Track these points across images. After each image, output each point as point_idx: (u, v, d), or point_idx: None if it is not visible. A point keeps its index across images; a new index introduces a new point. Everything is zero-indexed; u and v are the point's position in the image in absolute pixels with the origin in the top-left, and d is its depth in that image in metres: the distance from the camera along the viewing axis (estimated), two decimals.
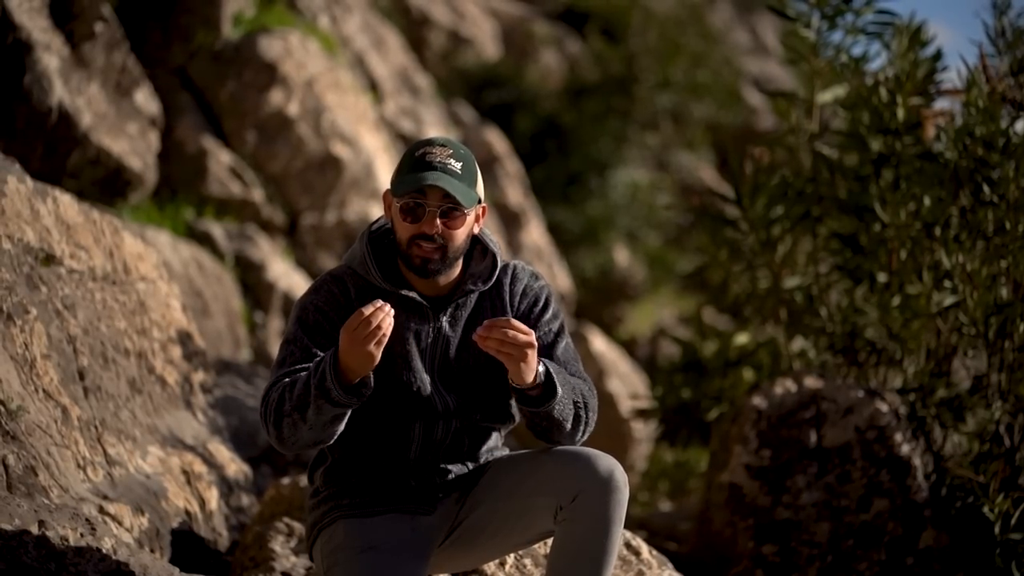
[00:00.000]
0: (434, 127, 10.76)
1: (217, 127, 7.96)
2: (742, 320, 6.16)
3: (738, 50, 19.21)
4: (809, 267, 5.60)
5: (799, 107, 5.65)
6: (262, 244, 7.68)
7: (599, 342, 10.05)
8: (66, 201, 4.28)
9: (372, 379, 2.93)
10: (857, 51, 5.88)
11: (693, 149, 16.52)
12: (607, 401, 9.18)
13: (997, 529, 4.63)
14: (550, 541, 3.17)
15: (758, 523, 4.90)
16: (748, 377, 5.89)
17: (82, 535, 3.21)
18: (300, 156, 8.12)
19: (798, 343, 5.82)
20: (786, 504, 4.90)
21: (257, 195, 7.92)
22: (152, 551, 3.68)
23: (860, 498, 4.87)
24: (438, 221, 3.06)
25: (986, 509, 4.62)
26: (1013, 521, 4.63)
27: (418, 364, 3.13)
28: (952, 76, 9.35)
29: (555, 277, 11.83)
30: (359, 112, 8.77)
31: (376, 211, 8.08)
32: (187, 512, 4.03)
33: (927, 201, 5.07)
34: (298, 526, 3.94)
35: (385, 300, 3.13)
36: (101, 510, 3.54)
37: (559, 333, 3.23)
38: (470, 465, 3.23)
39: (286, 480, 4.30)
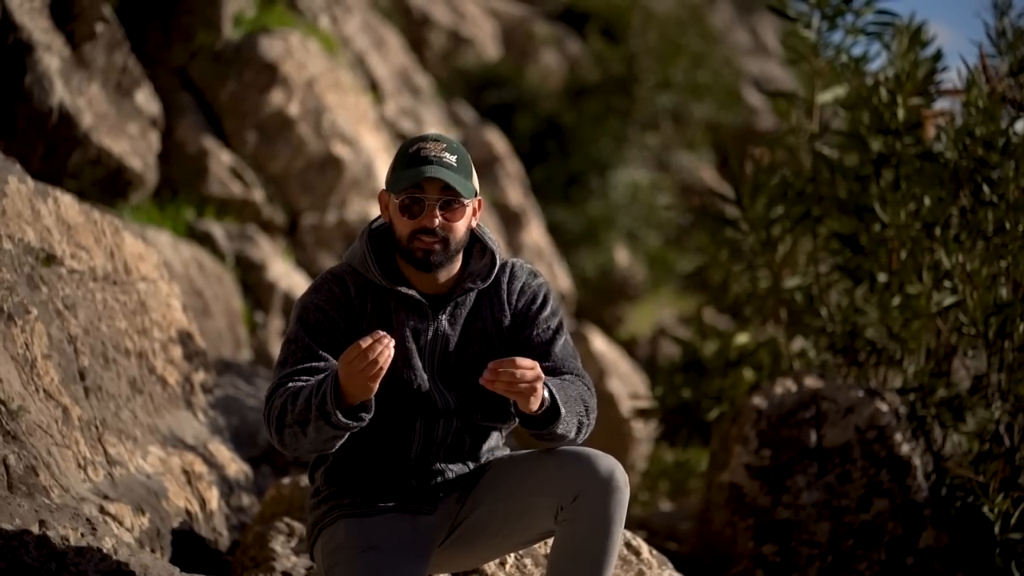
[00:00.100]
0: (434, 127, 10.76)
1: (218, 127, 7.97)
2: (742, 320, 6.16)
3: (738, 50, 19.21)
4: (809, 267, 5.60)
5: (799, 107, 5.65)
6: (263, 244, 7.68)
7: (599, 342, 10.05)
8: (67, 201, 4.28)
9: (373, 404, 2.94)
10: (857, 51, 5.88)
11: (693, 149, 16.53)
12: (607, 401, 9.19)
13: (997, 529, 4.63)
14: (550, 541, 3.18)
15: (758, 523, 4.90)
16: (748, 377, 5.89)
17: (83, 535, 3.21)
18: (300, 156, 8.12)
19: (798, 343, 5.82)
20: (786, 504, 4.90)
21: (258, 195, 7.93)
22: (153, 551, 3.69)
23: (860, 498, 4.87)
24: (438, 213, 3.07)
25: (986, 509, 4.62)
26: (1013, 521, 4.63)
27: (417, 362, 3.13)
28: (952, 76, 9.35)
29: (555, 277, 11.84)
30: (359, 112, 8.77)
31: (377, 211, 8.09)
32: (188, 512, 4.03)
33: (927, 201, 5.07)
34: (299, 526, 3.94)
35: (384, 298, 3.13)
36: (102, 510, 3.54)
37: (557, 330, 3.23)
38: (471, 465, 3.24)
39: (286, 480, 4.31)
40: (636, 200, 14.99)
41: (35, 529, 3.11)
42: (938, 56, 5.26)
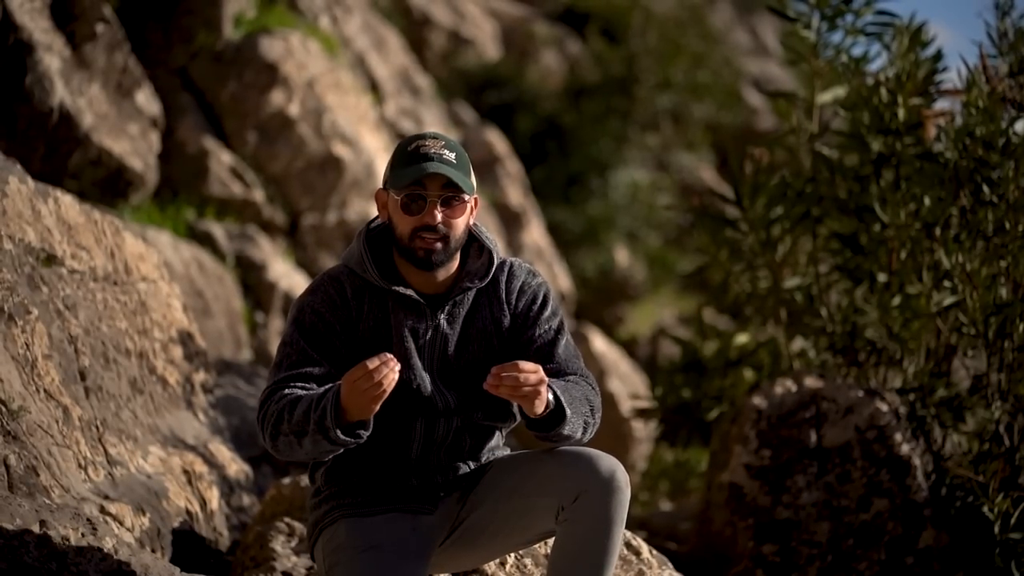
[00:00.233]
0: (434, 127, 10.76)
1: (218, 128, 7.97)
2: (742, 320, 6.16)
3: (738, 51, 19.22)
4: (809, 267, 5.60)
5: (799, 107, 5.65)
6: (263, 244, 7.69)
7: (599, 342, 10.05)
8: (67, 202, 4.29)
9: (371, 422, 2.94)
10: (857, 52, 5.88)
11: (693, 149, 16.53)
12: (607, 401, 9.18)
13: (997, 529, 4.64)
14: (551, 541, 3.18)
15: (758, 523, 4.90)
16: (748, 377, 5.89)
17: (83, 535, 3.22)
18: (301, 156, 8.13)
19: (798, 343, 5.82)
20: (786, 504, 4.91)
21: (258, 195, 7.93)
22: (153, 551, 3.69)
23: (860, 498, 4.87)
24: (439, 210, 3.07)
25: (986, 509, 4.63)
26: (1013, 521, 4.63)
27: (417, 362, 3.13)
28: (952, 76, 9.35)
29: (555, 277, 11.84)
30: (360, 112, 8.78)
31: (376, 211, 8.07)
32: (188, 512, 4.03)
33: (927, 201, 5.07)
34: (299, 526, 3.94)
35: (382, 298, 3.14)
36: (102, 510, 3.54)
37: (559, 331, 3.23)
38: (471, 464, 3.24)
39: (287, 480, 4.31)
40: (636, 200, 15.00)
41: (36, 529, 3.12)
42: (938, 56, 5.26)
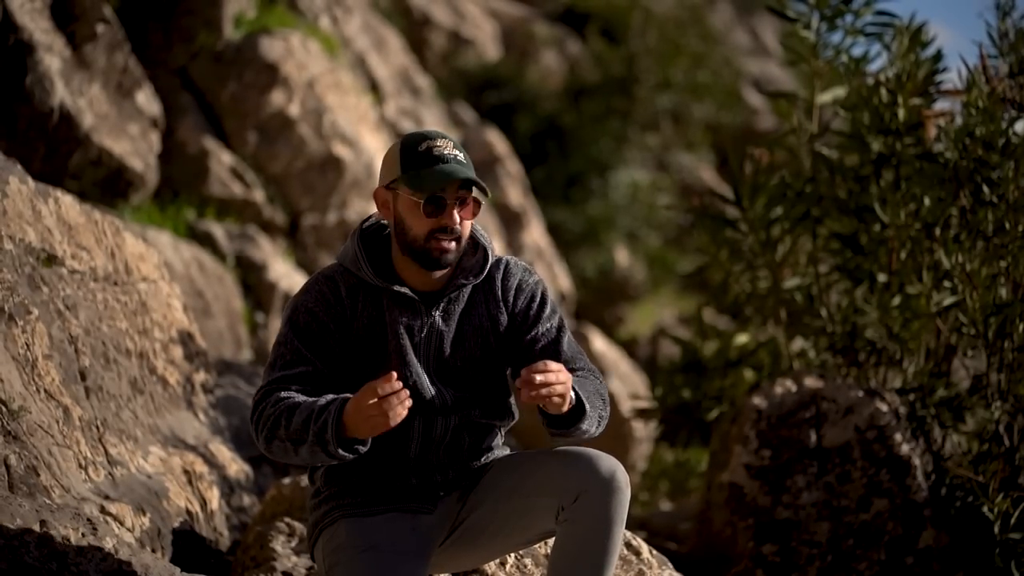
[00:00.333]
0: (435, 128, 10.76)
1: (218, 128, 7.97)
2: (742, 320, 6.16)
3: (738, 51, 19.22)
4: (809, 267, 5.60)
5: (799, 108, 5.65)
6: (263, 245, 7.69)
7: (599, 342, 10.06)
8: (67, 202, 4.29)
9: (370, 440, 2.94)
10: (857, 52, 5.88)
11: (693, 150, 16.54)
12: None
13: (997, 529, 4.64)
14: (551, 541, 3.18)
15: (758, 523, 4.90)
16: (748, 377, 5.89)
17: (83, 535, 3.22)
18: (301, 157, 8.13)
19: (798, 343, 5.82)
20: (786, 504, 4.91)
21: (258, 196, 7.93)
22: (153, 551, 3.69)
23: (860, 498, 4.88)
24: (456, 212, 3.08)
25: (986, 509, 4.63)
26: (1013, 521, 4.63)
27: (413, 359, 3.13)
28: (952, 77, 9.35)
29: (556, 277, 11.84)
30: (360, 113, 8.78)
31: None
32: (188, 512, 4.03)
33: (927, 201, 5.08)
34: (299, 526, 3.94)
35: (377, 296, 3.14)
36: (102, 510, 3.55)
37: (560, 328, 3.25)
38: (471, 464, 3.24)
39: (287, 480, 4.31)
40: (636, 200, 15.00)
41: (36, 529, 3.12)
42: (938, 57, 5.26)
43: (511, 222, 11.88)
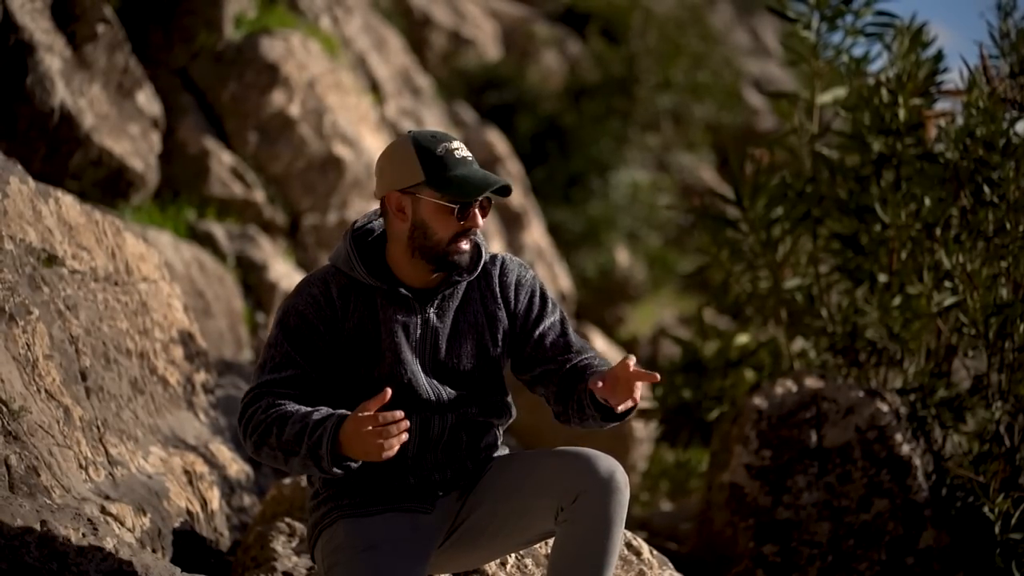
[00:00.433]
0: (435, 128, 10.76)
1: (219, 128, 7.97)
2: (743, 320, 6.16)
3: (738, 51, 19.22)
4: (810, 268, 5.61)
5: (800, 108, 5.65)
6: (264, 245, 7.69)
7: (600, 342, 10.06)
8: (68, 202, 4.29)
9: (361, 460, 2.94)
10: (857, 52, 5.88)
11: (694, 150, 16.53)
12: None
13: (997, 529, 4.64)
14: (551, 541, 3.18)
15: (758, 523, 4.91)
16: (749, 377, 5.89)
17: (84, 535, 3.22)
18: (301, 157, 8.13)
19: (799, 343, 5.83)
20: (786, 504, 4.91)
21: (259, 196, 7.93)
22: (154, 551, 3.69)
23: (860, 498, 4.88)
24: (478, 215, 3.10)
25: (986, 509, 4.63)
26: (1013, 521, 4.64)
27: (408, 356, 3.13)
28: (953, 77, 9.36)
29: (556, 277, 11.84)
30: (360, 113, 8.78)
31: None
32: (189, 512, 4.03)
33: (928, 202, 5.08)
34: (299, 526, 3.95)
35: (370, 296, 3.13)
36: (103, 510, 3.55)
37: (563, 321, 3.28)
38: (469, 463, 3.24)
39: (287, 480, 4.31)
40: (636, 200, 15.00)
41: (37, 529, 3.12)
42: (939, 57, 5.26)
43: (511, 222, 11.88)
